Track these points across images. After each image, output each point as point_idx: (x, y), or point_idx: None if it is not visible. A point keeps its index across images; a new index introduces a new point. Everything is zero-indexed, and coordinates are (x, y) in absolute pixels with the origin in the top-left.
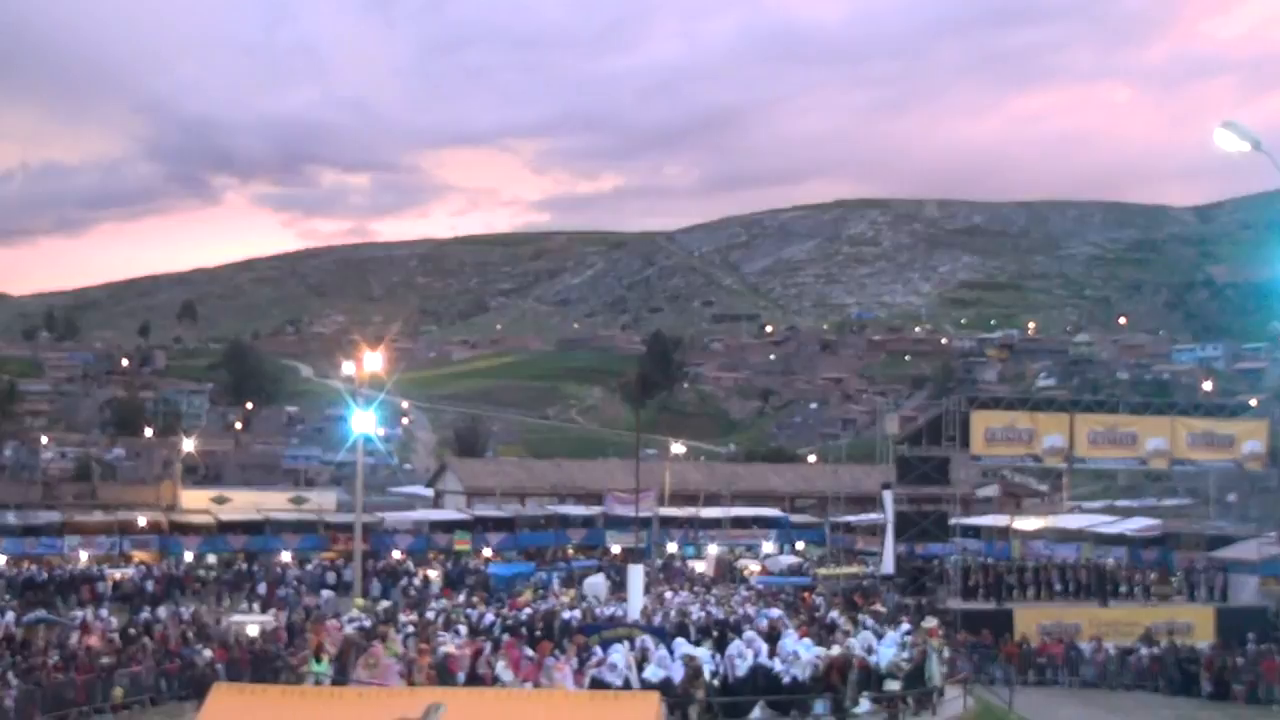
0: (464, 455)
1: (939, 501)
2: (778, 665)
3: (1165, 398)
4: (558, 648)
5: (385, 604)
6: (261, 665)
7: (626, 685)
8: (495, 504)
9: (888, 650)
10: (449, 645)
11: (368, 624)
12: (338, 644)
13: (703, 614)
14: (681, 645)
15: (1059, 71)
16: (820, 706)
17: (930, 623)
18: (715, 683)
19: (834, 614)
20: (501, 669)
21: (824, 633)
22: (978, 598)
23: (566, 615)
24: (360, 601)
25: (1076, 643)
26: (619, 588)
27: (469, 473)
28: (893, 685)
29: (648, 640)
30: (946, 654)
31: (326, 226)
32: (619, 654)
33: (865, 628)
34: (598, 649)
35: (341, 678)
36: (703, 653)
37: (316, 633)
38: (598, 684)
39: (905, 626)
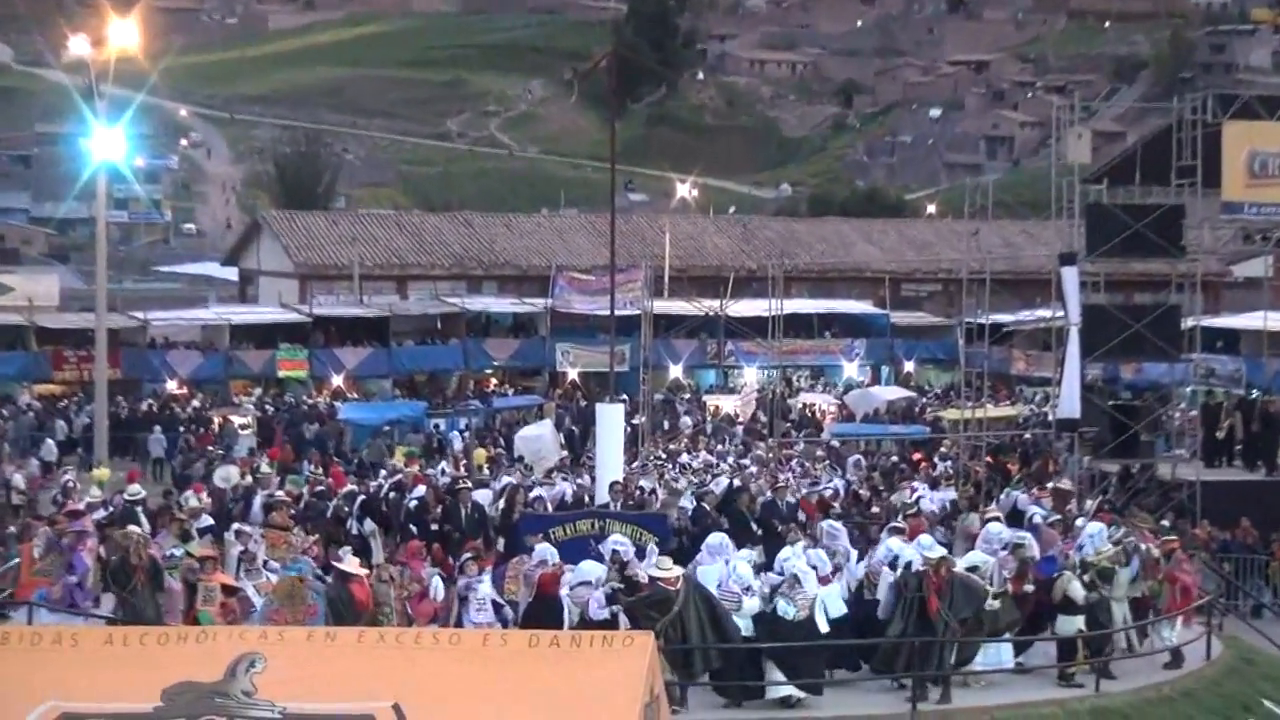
0: (293, 206)
1: (1163, 287)
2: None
3: None
4: (474, 556)
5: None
6: None
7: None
8: (351, 295)
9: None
10: (348, 560)
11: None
12: (90, 552)
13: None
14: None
15: None
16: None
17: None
18: (748, 619)
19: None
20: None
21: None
22: (1233, 460)
23: (482, 497)
24: (102, 473)
25: None
26: (580, 443)
27: (303, 238)
28: (1073, 623)
29: (622, 544)
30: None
31: None
32: (590, 563)
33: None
34: (541, 554)
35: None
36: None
37: (27, 533)
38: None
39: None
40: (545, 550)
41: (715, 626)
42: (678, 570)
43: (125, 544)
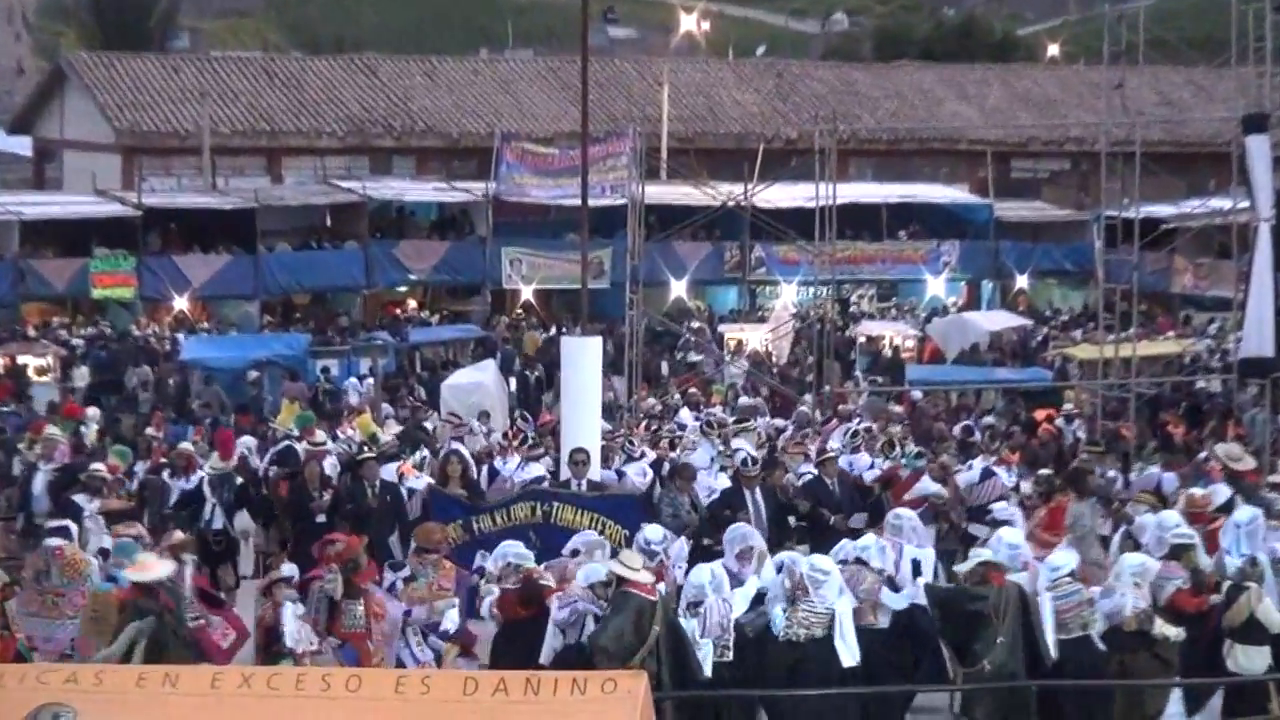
0: (113, 47)
1: None
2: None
3: None
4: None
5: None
6: None
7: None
8: (199, 177)
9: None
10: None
11: None
12: None
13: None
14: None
15: None
16: None
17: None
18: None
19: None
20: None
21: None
22: None
23: (411, 484)
24: None
25: None
26: (536, 395)
27: (128, 93)
28: (1259, 657)
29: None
30: None
31: None
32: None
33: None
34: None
35: None
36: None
37: None
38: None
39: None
40: (514, 550)
41: (672, 658)
42: (648, 575)
43: None
